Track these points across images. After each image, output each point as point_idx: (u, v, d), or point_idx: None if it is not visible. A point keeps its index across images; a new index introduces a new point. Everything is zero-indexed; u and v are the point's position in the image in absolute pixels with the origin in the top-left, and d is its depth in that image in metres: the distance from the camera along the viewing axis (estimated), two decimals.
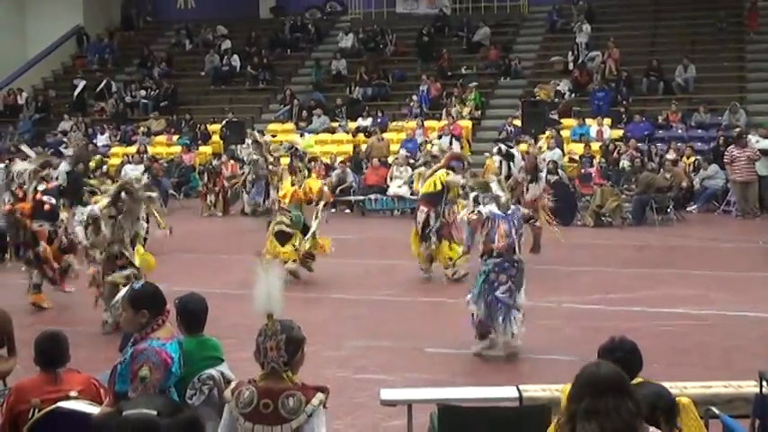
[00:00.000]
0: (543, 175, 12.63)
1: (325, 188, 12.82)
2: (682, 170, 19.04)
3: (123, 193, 9.53)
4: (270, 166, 17.31)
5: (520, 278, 8.13)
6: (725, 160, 18.39)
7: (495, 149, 13.30)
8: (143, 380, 4.35)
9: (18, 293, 10.98)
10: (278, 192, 12.67)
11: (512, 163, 12.11)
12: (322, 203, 12.36)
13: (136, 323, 4.62)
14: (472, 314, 8.19)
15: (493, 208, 8.22)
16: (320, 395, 3.99)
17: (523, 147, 20.78)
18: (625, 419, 3.35)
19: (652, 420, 3.76)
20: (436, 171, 11.95)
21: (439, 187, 11.72)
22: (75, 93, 28.66)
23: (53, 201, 11.19)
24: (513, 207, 8.38)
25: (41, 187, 11.12)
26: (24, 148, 15.23)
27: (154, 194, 10.29)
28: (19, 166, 11.73)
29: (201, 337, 5.42)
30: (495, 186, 8.59)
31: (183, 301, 5.59)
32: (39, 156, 13.04)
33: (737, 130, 20.18)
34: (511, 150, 12.41)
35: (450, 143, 21.19)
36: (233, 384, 4.05)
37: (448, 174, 11.74)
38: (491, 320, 8.04)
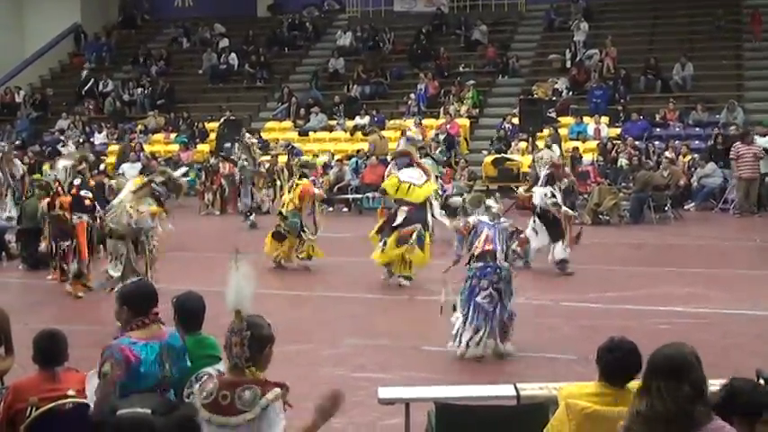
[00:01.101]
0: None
1: (315, 189, 13.17)
2: (679, 168, 19.05)
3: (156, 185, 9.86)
4: (259, 167, 17.42)
5: (505, 287, 8.01)
6: (731, 156, 18.40)
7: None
8: (104, 375, 4.40)
9: (16, 292, 10.98)
10: (266, 191, 13.14)
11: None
12: (317, 207, 12.91)
13: (120, 318, 4.72)
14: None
15: (481, 217, 8.26)
16: (277, 390, 4.08)
17: (523, 145, 20.99)
18: (678, 403, 3.28)
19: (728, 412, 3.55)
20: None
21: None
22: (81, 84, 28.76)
23: (90, 195, 11.82)
24: (502, 219, 8.38)
25: (77, 181, 11.68)
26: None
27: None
28: (61, 162, 12.23)
29: (199, 336, 5.42)
30: (490, 201, 8.59)
31: (180, 300, 5.59)
32: (76, 151, 13.58)
33: (733, 127, 20.24)
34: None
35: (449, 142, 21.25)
36: (203, 378, 4.12)
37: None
38: (470, 324, 8.00)
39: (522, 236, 8.47)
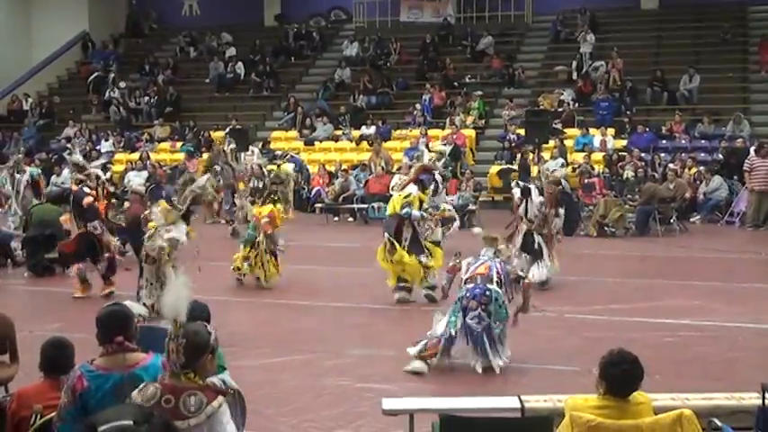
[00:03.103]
0: (561, 211, 12.56)
1: (265, 220, 12.24)
2: (685, 181, 19.03)
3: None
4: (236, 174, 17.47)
5: (496, 309, 7.88)
6: (744, 168, 18.41)
7: (513, 184, 13.27)
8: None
9: (22, 300, 11.00)
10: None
11: (529, 199, 12.02)
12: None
13: None
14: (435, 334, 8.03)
15: (484, 256, 8.24)
16: (221, 398, 4.10)
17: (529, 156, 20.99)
18: None
19: None
20: (407, 184, 11.70)
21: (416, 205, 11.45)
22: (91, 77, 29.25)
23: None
24: (507, 264, 8.34)
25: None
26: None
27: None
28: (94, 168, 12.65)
29: None
30: (503, 246, 8.58)
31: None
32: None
33: (740, 140, 20.22)
34: (528, 186, 12.32)
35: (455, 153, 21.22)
36: (141, 385, 4.15)
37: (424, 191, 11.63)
38: (448, 342, 7.94)
39: (525, 281, 8.40)
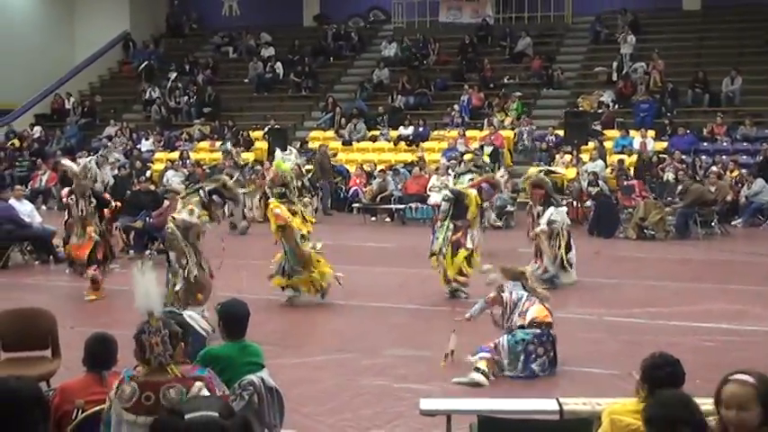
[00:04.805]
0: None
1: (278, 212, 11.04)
2: (726, 183, 18.80)
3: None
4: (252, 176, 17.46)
5: (554, 353, 8.00)
6: None
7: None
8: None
9: (63, 295, 11.14)
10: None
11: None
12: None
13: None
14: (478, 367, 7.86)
15: (519, 291, 8.19)
16: (199, 383, 4.15)
17: (568, 157, 20.89)
18: None
19: None
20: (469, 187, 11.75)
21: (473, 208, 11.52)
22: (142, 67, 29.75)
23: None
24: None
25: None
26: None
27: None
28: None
29: (243, 343, 5.48)
30: (530, 278, 8.55)
31: (225, 307, 5.65)
32: None
33: None
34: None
35: (494, 154, 21.22)
36: (114, 386, 4.20)
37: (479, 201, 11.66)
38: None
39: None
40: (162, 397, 4.09)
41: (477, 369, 7.73)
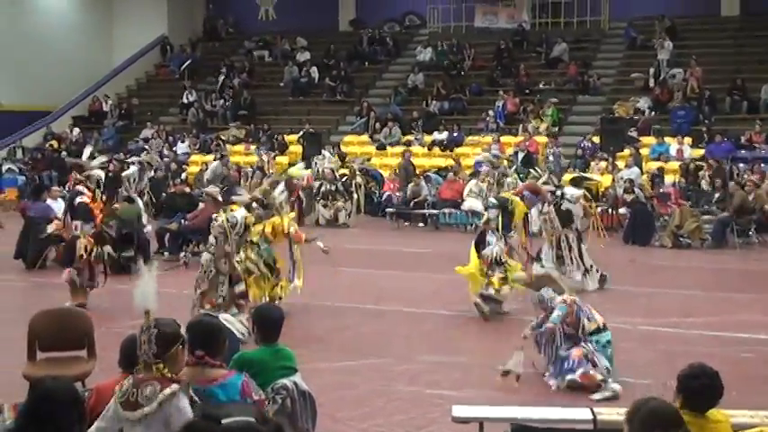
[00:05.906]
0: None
1: (292, 229, 10.91)
2: (764, 192, 18.55)
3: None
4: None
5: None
6: None
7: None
8: None
9: (98, 296, 11.23)
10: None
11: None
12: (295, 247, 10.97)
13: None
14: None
15: (558, 296, 8.11)
16: (174, 386, 4.15)
17: (603, 164, 20.76)
18: None
19: None
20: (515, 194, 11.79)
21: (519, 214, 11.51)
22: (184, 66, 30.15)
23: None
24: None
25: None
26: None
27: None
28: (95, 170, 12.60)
29: (276, 347, 5.50)
30: (558, 282, 8.50)
31: (259, 311, 5.69)
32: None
33: None
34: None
35: (528, 160, 21.13)
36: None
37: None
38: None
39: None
40: (139, 393, 4.14)
41: (606, 381, 7.66)
